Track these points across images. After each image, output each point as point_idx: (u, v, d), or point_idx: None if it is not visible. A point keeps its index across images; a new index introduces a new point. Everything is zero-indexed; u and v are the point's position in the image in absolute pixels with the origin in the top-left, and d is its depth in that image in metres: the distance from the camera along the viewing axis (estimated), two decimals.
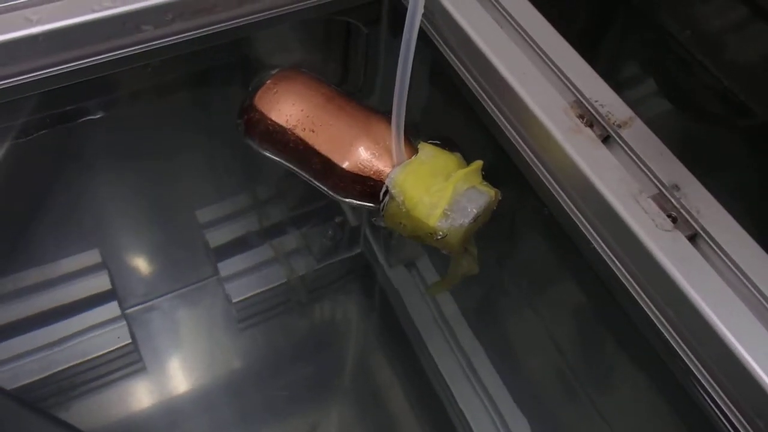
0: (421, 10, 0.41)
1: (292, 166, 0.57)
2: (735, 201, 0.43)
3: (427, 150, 0.53)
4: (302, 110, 0.55)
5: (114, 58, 0.50)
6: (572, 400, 0.58)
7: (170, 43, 0.52)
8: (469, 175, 0.52)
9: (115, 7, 0.48)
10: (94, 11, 0.48)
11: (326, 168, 0.54)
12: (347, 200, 0.55)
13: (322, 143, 0.54)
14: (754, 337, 0.36)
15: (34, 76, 0.48)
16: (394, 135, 0.50)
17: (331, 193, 0.56)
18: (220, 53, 0.56)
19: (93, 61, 0.49)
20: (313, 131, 0.55)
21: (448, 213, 0.50)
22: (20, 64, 0.47)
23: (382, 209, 0.53)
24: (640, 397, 0.51)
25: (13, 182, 0.58)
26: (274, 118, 0.55)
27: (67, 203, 0.63)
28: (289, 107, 0.55)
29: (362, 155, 0.53)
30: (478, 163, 0.52)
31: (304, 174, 0.57)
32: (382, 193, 0.53)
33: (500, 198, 0.53)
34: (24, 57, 0.47)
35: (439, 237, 0.51)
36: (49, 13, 0.47)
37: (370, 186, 0.54)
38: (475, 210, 0.50)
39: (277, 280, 0.75)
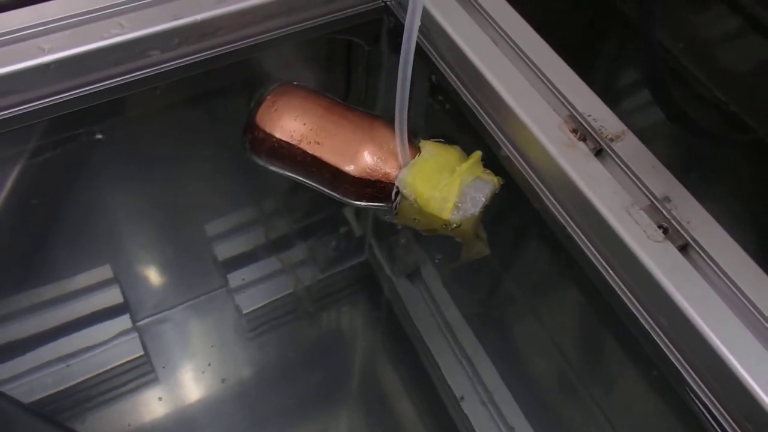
0: (420, 12, 0.42)
1: (301, 178, 0.58)
2: (725, 211, 0.44)
3: (428, 147, 0.55)
4: (305, 124, 0.56)
5: (123, 82, 0.51)
6: (574, 405, 0.59)
7: (177, 65, 0.53)
8: (472, 167, 0.54)
9: (124, 34, 0.50)
10: (103, 39, 0.49)
11: (336, 177, 0.56)
12: (360, 203, 0.57)
13: (329, 154, 0.55)
14: (743, 344, 0.38)
15: (47, 101, 0.49)
16: (398, 138, 0.51)
17: (344, 199, 0.57)
18: (226, 72, 0.57)
19: (102, 86, 0.51)
20: (318, 143, 0.56)
21: (459, 205, 0.53)
22: (34, 91, 0.49)
23: (395, 208, 0.55)
24: (636, 400, 0.52)
25: (28, 202, 0.60)
26: (278, 136, 0.56)
27: (80, 221, 0.65)
28: (291, 123, 0.56)
29: (369, 160, 0.55)
30: (478, 154, 0.54)
31: (314, 184, 0.58)
32: (393, 194, 0.55)
33: (502, 183, 0.55)
34: (37, 84, 0.48)
35: (453, 227, 0.53)
36: (60, 41, 0.48)
37: (380, 188, 0.55)
38: (483, 198, 0.53)
39: (284, 290, 0.76)
